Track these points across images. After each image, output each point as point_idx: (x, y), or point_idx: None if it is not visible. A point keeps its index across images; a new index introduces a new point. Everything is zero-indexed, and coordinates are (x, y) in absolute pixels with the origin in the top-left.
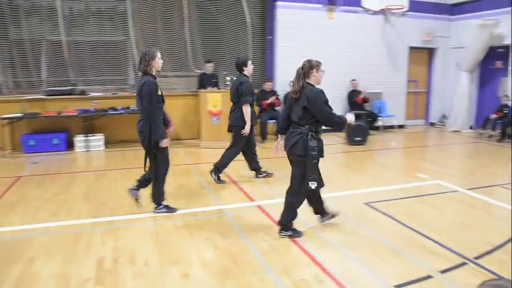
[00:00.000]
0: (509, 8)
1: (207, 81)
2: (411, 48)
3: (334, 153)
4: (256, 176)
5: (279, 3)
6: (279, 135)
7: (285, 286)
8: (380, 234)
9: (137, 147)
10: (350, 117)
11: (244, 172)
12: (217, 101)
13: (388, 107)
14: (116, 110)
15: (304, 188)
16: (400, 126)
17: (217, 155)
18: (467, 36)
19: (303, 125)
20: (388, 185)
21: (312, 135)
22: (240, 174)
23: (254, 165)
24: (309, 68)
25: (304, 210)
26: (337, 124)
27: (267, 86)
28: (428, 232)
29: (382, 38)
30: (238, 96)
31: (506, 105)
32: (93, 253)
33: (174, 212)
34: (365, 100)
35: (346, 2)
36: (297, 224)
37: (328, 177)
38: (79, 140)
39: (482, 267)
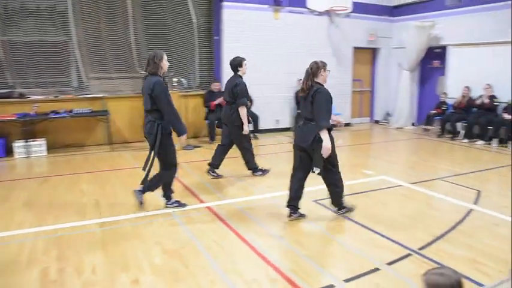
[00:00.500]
0: (445, 11)
1: None
2: (355, 48)
3: (283, 152)
4: (208, 172)
5: (225, 3)
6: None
7: (237, 286)
8: (329, 231)
9: (82, 151)
10: (337, 119)
11: (192, 174)
12: None
13: (334, 106)
14: (58, 113)
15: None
16: (347, 124)
17: None
18: (407, 37)
19: (313, 119)
20: None
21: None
22: (189, 176)
23: (216, 161)
24: (316, 68)
25: (258, 211)
26: (320, 127)
27: (214, 86)
28: (375, 226)
29: (328, 39)
30: (233, 97)
31: (444, 102)
32: (36, 264)
33: (184, 207)
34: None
35: (291, 3)
36: (254, 225)
37: (277, 175)
38: (18, 145)
39: (426, 257)
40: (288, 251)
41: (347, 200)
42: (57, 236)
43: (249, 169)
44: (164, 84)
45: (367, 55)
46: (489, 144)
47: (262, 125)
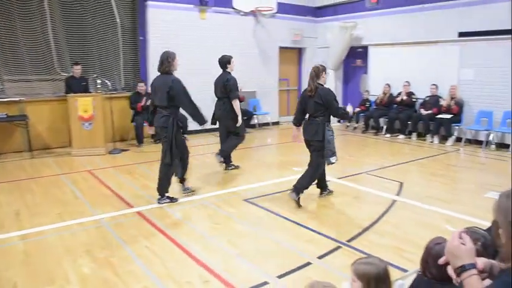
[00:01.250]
0: (366, 12)
1: (75, 85)
2: (281, 48)
3: (211, 152)
4: (226, 169)
5: (149, 2)
6: (294, 127)
7: None
8: (260, 229)
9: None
10: (349, 109)
11: (121, 179)
12: (87, 105)
13: (262, 105)
14: None
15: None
16: (275, 123)
17: (91, 162)
18: (330, 37)
19: (317, 116)
20: (265, 181)
21: (327, 124)
22: (117, 181)
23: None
24: (318, 71)
25: (189, 213)
26: (342, 115)
27: (140, 87)
28: (305, 221)
29: (254, 38)
30: (225, 92)
31: (367, 100)
32: None
33: (176, 201)
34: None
35: (217, 3)
36: (186, 228)
37: (208, 175)
38: None
39: (355, 248)
40: (221, 251)
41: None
42: None
43: (222, 156)
44: (181, 81)
45: (293, 55)
46: (409, 138)
47: (191, 126)
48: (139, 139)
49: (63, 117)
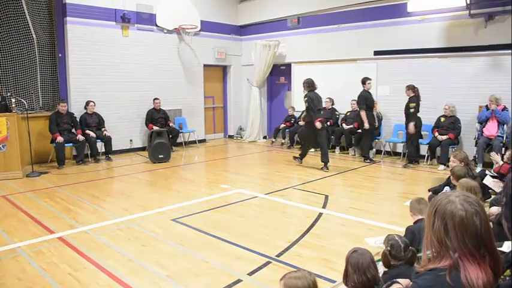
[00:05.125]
0: (288, 31)
1: None
2: (206, 65)
3: (138, 172)
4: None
5: (68, 18)
6: None
7: None
8: (189, 248)
9: None
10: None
11: (40, 203)
12: (1, 125)
13: (188, 123)
14: None
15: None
16: (201, 141)
17: (6, 186)
18: (254, 55)
19: None
20: (193, 199)
21: None
22: (36, 205)
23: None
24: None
25: (114, 236)
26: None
27: (61, 107)
28: (234, 239)
29: (178, 56)
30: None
31: (292, 116)
32: None
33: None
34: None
35: (140, 21)
36: (111, 251)
37: (134, 197)
38: None
39: (284, 262)
40: (149, 274)
41: None
42: None
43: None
44: None
45: (218, 72)
46: (333, 151)
47: (115, 146)
48: (60, 161)
49: None
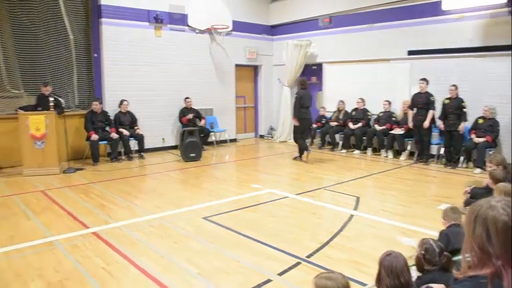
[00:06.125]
0: (319, 31)
1: (43, 104)
2: (237, 65)
3: (170, 170)
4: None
5: (103, 19)
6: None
7: None
8: (220, 246)
9: None
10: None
11: (76, 199)
12: (40, 123)
13: (219, 123)
14: None
15: None
16: (232, 140)
17: (44, 182)
18: (286, 55)
19: None
20: (224, 198)
21: None
22: (72, 201)
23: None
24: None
25: (147, 233)
26: None
27: (95, 106)
28: (264, 238)
29: (210, 56)
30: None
31: (323, 116)
32: None
33: None
34: (190, 120)
35: (172, 21)
36: (143, 247)
37: (166, 195)
38: None
39: (314, 264)
40: (180, 271)
41: None
42: None
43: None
44: None
45: (249, 72)
46: (364, 153)
47: (148, 144)
48: (95, 158)
49: (14, 135)
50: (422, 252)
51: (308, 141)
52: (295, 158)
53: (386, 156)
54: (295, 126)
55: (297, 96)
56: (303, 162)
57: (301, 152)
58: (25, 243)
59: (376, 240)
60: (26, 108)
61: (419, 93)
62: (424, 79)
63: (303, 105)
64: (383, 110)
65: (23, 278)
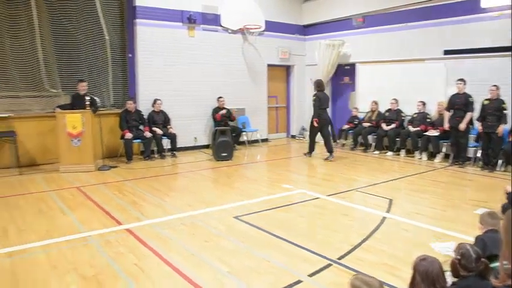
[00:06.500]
0: (352, 31)
1: (78, 102)
2: (269, 65)
3: (201, 169)
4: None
5: (138, 20)
6: None
7: None
8: (251, 246)
9: None
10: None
11: (110, 195)
12: (77, 122)
13: (251, 122)
14: None
15: None
16: (264, 140)
17: (80, 178)
18: (318, 55)
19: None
20: (255, 198)
21: None
22: (106, 197)
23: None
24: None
25: (178, 231)
26: None
27: (129, 105)
28: (295, 239)
29: (243, 56)
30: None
31: (356, 117)
32: None
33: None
34: (225, 116)
35: (205, 21)
36: (175, 245)
37: (197, 193)
38: None
39: (345, 266)
40: (211, 269)
41: None
42: None
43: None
44: None
45: (281, 72)
46: (398, 154)
47: (180, 143)
48: (129, 156)
49: (52, 133)
50: (459, 257)
51: (335, 144)
52: (305, 154)
53: (421, 158)
54: (311, 125)
55: (315, 98)
56: (334, 163)
57: (310, 149)
58: (61, 237)
59: (409, 243)
60: (63, 107)
61: (457, 94)
62: (461, 79)
63: (321, 107)
64: (417, 111)
65: (59, 271)
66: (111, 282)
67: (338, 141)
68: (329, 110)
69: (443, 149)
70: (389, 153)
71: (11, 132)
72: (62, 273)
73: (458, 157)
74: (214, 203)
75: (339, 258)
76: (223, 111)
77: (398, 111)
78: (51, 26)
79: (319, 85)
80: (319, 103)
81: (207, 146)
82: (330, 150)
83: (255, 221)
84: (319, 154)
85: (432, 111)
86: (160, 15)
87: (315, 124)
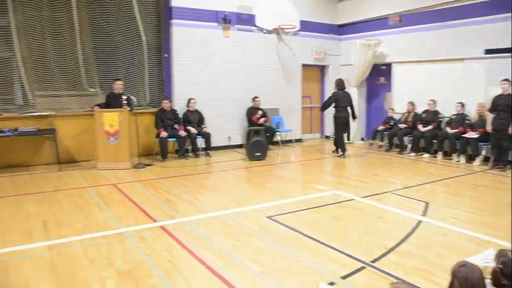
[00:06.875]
0: (389, 30)
1: (113, 101)
2: (304, 65)
3: (235, 169)
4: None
5: (173, 21)
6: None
7: None
8: (283, 246)
9: (28, 171)
10: None
11: (145, 193)
12: (113, 120)
13: (285, 122)
14: (1, 132)
15: None
16: (298, 140)
17: (116, 176)
18: (353, 55)
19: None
20: (288, 198)
21: None
22: (141, 195)
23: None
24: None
25: (212, 229)
26: None
27: (165, 104)
28: (328, 240)
29: (277, 56)
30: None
31: (391, 118)
32: None
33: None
34: (262, 116)
35: (240, 21)
36: (208, 243)
37: (231, 192)
38: None
39: (379, 269)
40: (243, 269)
41: None
42: (2, 261)
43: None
44: None
45: (316, 72)
46: (435, 157)
47: (214, 142)
48: (163, 154)
49: (90, 131)
50: (500, 266)
51: (367, 145)
52: (334, 151)
53: (459, 161)
54: (334, 124)
55: (331, 96)
56: (368, 164)
57: (339, 147)
58: (97, 232)
59: (446, 248)
60: (100, 106)
61: (501, 95)
62: (506, 79)
63: (338, 105)
64: (455, 112)
65: (96, 265)
66: (145, 278)
67: (372, 142)
68: (363, 111)
69: (483, 152)
70: (426, 155)
71: (51, 130)
72: (98, 267)
73: (499, 160)
74: (247, 202)
75: (373, 262)
76: (260, 113)
77: (436, 113)
78: (91, 27)
79: (339, 84)
80: (336, 101)
81: (240, 146)
82: (343, 148)
83: (288, 222)
84: (352, 155)
85: (471, 112)
86: (196, 15)
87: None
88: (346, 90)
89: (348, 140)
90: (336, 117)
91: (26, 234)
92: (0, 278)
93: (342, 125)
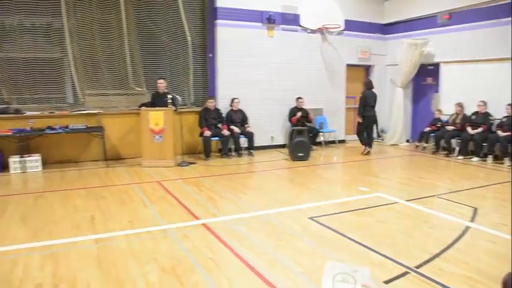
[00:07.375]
0: (437, 29)
1: (158, 100)
2: (348, 65)
3: (277, 169)
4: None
5: (218, 21)
6: None
7: None
8: (325, 248)
9: (77, 167)
10: None
11: (188, 191)
12: (159, 119)
13: (328, 123)
14: (53, 129)
15: None
16: (341, 141)
17: (160, 173)
18: (399, 54)
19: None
20: (331, 199)
21: None
22: (184, 192)
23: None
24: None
25: (254, 229)
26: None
27: (209, 103)
28: (371, 243)
29: (321, 56)
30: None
31: (438, 119)
32: (30, 279)
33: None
34: (302, 117)
35: (285, 21)
36: (249, 242)
37: (273, 192)
38: (14, 161)
39: (423, 275)
40: (284, 269)
41: None
42: (51, 252)
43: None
44: None
45: (360, 72)
46: (484, 160)
47: (257, 142)
48: (207, 153)
49: (136, 129)
50: None
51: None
52: (364, 152)
53: (510, 166)
54: (358, 122)
55: (361, 96)
56: (413, 167)
57: (366, 144)
58: (142, 228)
59: (494, 257)
60: (146, 105)
61: None
62: None
63: (367, 104)
64: (506, 115)
65: (140, 260)
66: (187, 275)
67: (418, 144)
68: (409, 112)
69: None
70: (475, 158)
71: (99, 128)
72: (142, 262)
73: None
74: (290, 202)
75: (417, 267)
76: (299, 114)
77: (487, 115)
78: (138, 28)
79: (367, 84)
80: (365, 101)
81: (283, 146)
82: (369, 145)
83: (330, 223)
84: (397, 156)
85: None
86: (240, 15)
87: (359, 120)
88: (373, 90)
89: (379, 136)
90: (365, 117)
91: (74, 227)
92: (50, 268)
93: (368, 123)
